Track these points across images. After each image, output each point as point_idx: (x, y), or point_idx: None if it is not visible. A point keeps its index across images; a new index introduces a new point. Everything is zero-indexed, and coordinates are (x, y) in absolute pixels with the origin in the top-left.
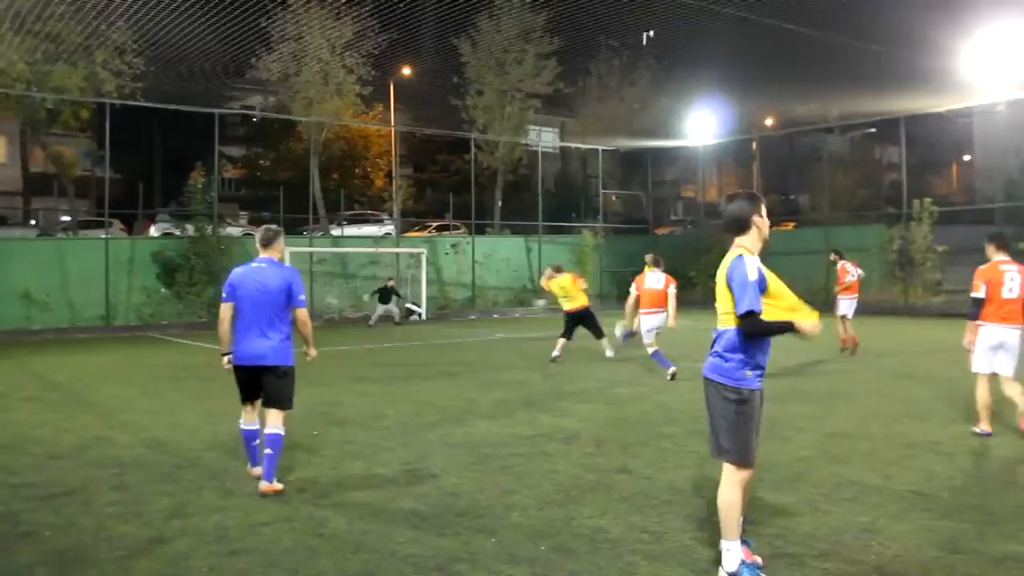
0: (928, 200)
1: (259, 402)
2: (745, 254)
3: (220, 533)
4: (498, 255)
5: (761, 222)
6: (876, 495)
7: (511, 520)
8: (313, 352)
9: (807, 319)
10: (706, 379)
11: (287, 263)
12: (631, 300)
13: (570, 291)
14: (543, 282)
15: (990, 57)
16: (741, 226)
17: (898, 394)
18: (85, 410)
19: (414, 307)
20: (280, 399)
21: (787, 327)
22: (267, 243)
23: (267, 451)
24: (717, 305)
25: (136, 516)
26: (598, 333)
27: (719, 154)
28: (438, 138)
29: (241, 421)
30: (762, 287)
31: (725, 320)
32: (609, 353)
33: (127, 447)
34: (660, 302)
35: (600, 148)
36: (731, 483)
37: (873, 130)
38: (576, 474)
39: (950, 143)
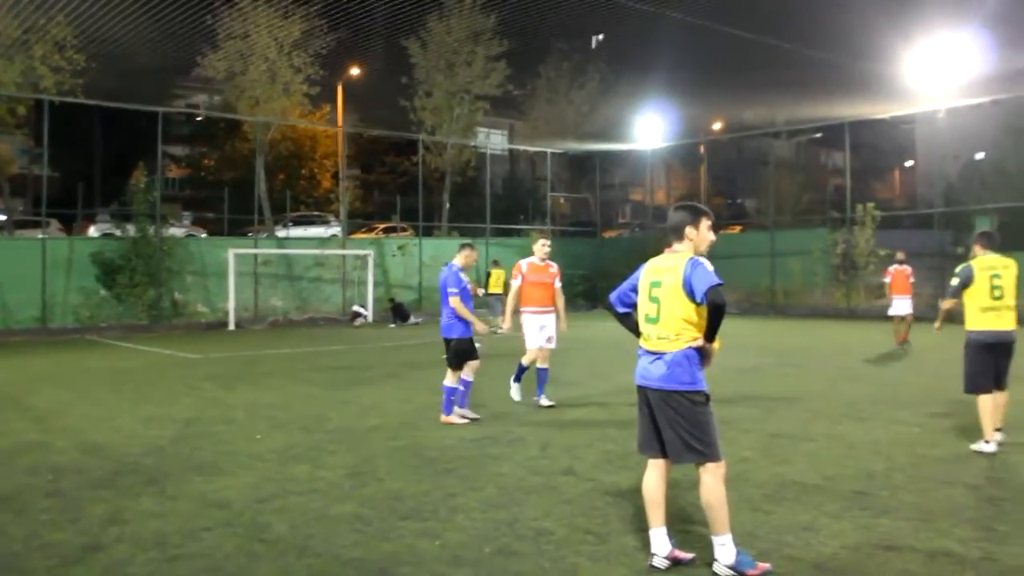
0: (871, 205)
1: (469, 364)
2: (696, 258)
3: (159, 539)
4: (445, 257)
5: (696, 235)
6: (817, 494)
7: (456, 523)
8: (479, 327)
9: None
10: (665, 392)
11: (230, 264)
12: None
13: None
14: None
15: (932, 65)
16: (677, 233)
17: (840, 396)
18: (19, 415)
19: (360, 309)
20: (448, 360)
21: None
22: (458, 251)
23: (443, 396)
24: (660, 313)
25: (71, 523)
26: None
27: (667, 158)
28: (386, 139)
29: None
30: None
31: (675, 327)
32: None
33: (63, 452)
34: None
35: (549, 151)
36: (718, 479)
37: (819, 135)
38: (521, 476)
39: (893, 149)
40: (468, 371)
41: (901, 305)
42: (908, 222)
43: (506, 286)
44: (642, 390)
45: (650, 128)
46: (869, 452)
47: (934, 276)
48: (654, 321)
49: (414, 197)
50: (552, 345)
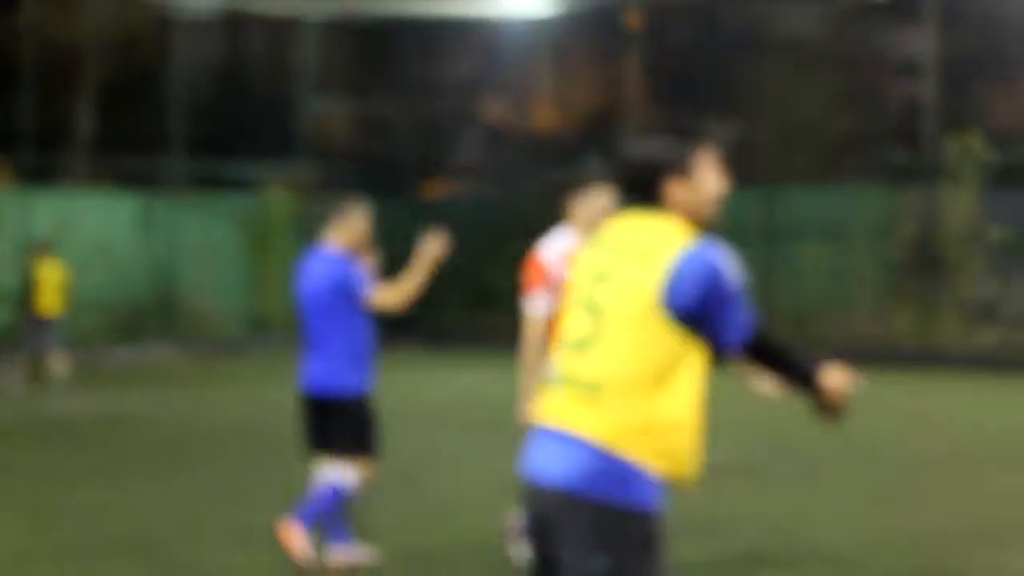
0: (975, 137)
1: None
2: (703, 244)
3: None
4: (83, 229)
5: (687, 192)
6: None
7: None
8: None
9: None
10: (577, 500)
11: None
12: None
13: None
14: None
15: None
16: (642, 187)
17: (917, 530)
18: None
19: None
20: (339, 440)
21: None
22: (334, 220)
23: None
24: (598, 336)
25: None
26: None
27: (560, 38)
28: None
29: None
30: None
31: (621, 371)
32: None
33: None
34: None
35: (309, 19)
36: None
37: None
38: None
39: (1019, 27)
40: (350, 469)
41: None
42: None
43: (66, 296)
44: (533, 495)
45: None
46: None
47: None
48: (580, 348)
49: (14, 103)
50: None
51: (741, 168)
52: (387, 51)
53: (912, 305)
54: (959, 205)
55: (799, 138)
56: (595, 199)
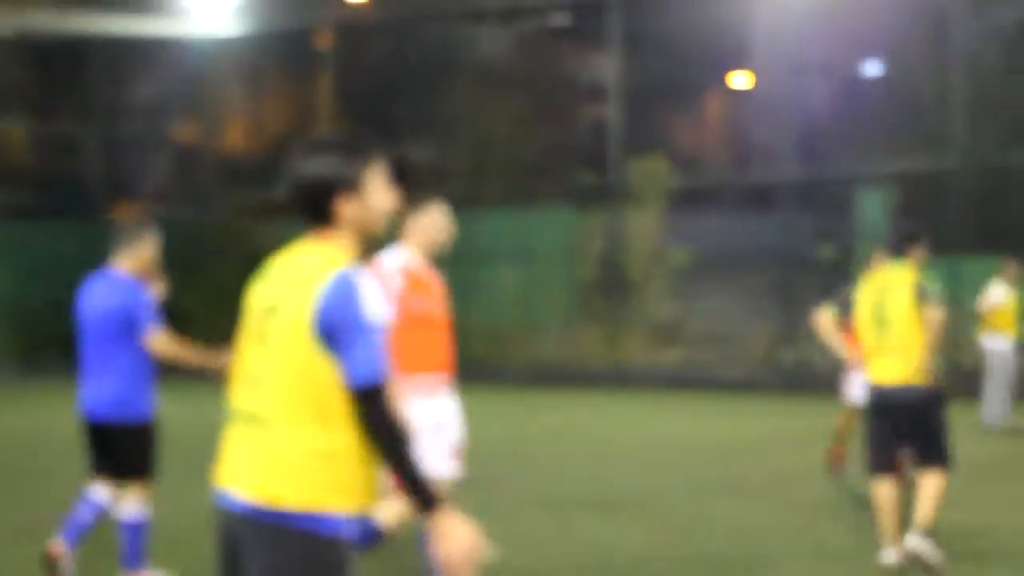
0: (659, 160)
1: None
2: (353, 269)
3: None
4: None
5: (355, 209)
6: None
7: None
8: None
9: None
10: (261, 523)
11: None
12: None
13: None
14: None
15: None
16: (312, 207)
17: None
18: None
19: None
20: (125, 463)
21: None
22: (122, 242)
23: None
24: (267, 370)
25: None
26: None
27: (252, 56)
28: None
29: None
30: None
31: (286, 404)
32: None
33: None
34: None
35: None
36: None
37: (563, 23)
38: None
39: (700, 54)
40: (137, 497)
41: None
42: (732, 196)
43: None
44: (222, 520)
45: None
46: None
47: (772, 299)
48: (253, 382)
49: None
50: (457, 471)
51: (435, 191)
52: (71, 69)
53: (600, 325)
54: (643, 227)
55: (491, 161)
56: (432, 217)
